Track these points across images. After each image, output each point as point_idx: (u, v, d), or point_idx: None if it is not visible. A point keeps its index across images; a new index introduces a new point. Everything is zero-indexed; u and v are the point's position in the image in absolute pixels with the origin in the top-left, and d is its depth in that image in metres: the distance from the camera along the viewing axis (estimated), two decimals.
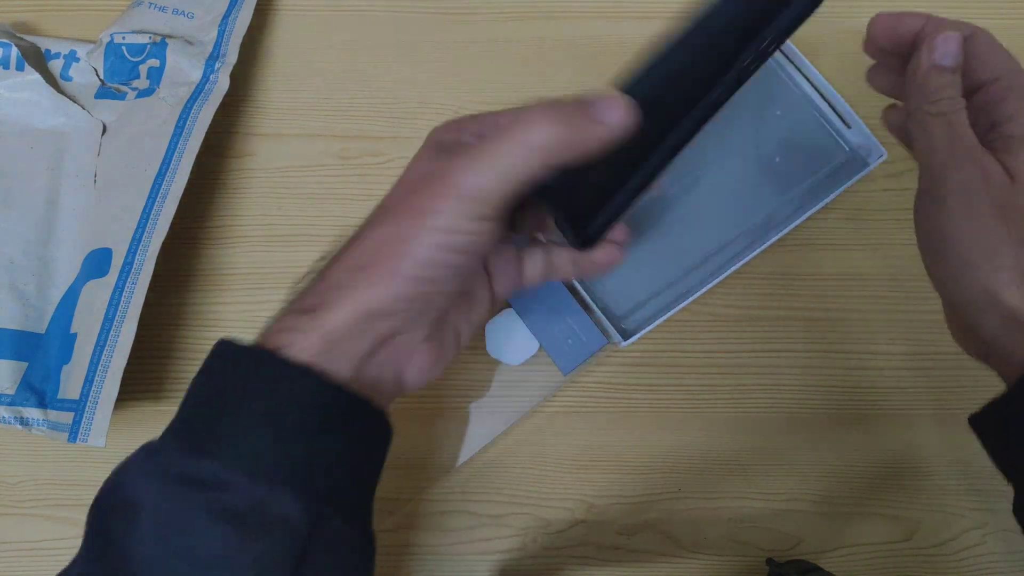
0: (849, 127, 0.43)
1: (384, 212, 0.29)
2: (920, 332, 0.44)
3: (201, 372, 0.28)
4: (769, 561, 0.42)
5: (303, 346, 0.27)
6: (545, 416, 0.44)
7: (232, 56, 0.46)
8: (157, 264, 0.40)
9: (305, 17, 0.49)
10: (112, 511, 0.26)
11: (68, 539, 0.43)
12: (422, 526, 0.43)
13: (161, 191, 0.42)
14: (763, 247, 0.41)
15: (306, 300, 0.28)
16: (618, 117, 0.26)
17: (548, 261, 0.34)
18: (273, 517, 0.25)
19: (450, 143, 0.30)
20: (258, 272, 0.46)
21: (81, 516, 0.45)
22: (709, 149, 0.44)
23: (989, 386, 0.30)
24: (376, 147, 0.47)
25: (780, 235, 0.41)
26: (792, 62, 0.44)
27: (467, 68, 0.48)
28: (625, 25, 0.48)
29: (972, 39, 0.31)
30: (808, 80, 0.44)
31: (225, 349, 0.28)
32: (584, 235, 0.32)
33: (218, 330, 0.45)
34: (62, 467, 0.44)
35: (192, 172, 0.42)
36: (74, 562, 0.27)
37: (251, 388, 0.26)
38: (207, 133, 0.43)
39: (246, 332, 0.44)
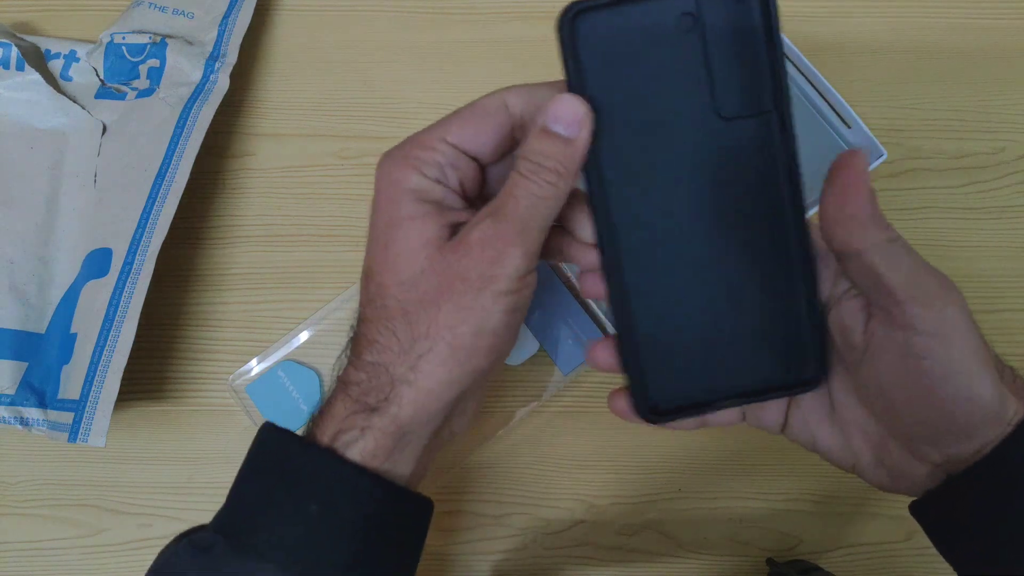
0: (849, 127, 0.43)
1: (429, 289, 0.27)
2: None
3: (251, 463, 0.28)
4: (769, 561, 0.42)
5: (369, 448, 0.27)
6: (545, 416, 0.44)
7: (232, 56, 0.46)
8: (157, 264, 0.40)
9: (305, 17, 0.49)
10: None
11: (68, 539, 0.43)
12: None
13: (161, 191, 0.42)
14: None
15: (369, 396, 0.27)
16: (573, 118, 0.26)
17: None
18: None
19: (439, 194, 0.28)
20: (258, 272, 0.46)
21: (81, 516, 0.45)
22: None
23: None
24: (376, 147, 0.47)
25: None
26: (792, 62, 0.44)
27: (467, 68, 0.48)
28: None
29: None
30: (807, 80, 0.44)
31: (277, 441, 0.28)
32: None
33: (218, 330, 0.45)
34: (62, 467, 0.44)
35: (192, 172, 0.42)
36: None
37: (309, 489, 0.26)
38: (207, 133, 0.43)
39: (246, 332, 0.45)
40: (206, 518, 0.43)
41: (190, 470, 0.44)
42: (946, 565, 0.43)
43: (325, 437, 0.27)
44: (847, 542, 0.43)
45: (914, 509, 0.30)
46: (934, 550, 0.43)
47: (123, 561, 0.43)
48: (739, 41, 0.26)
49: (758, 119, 0.26)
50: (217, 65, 0.46)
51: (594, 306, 0.41)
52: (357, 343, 0.28)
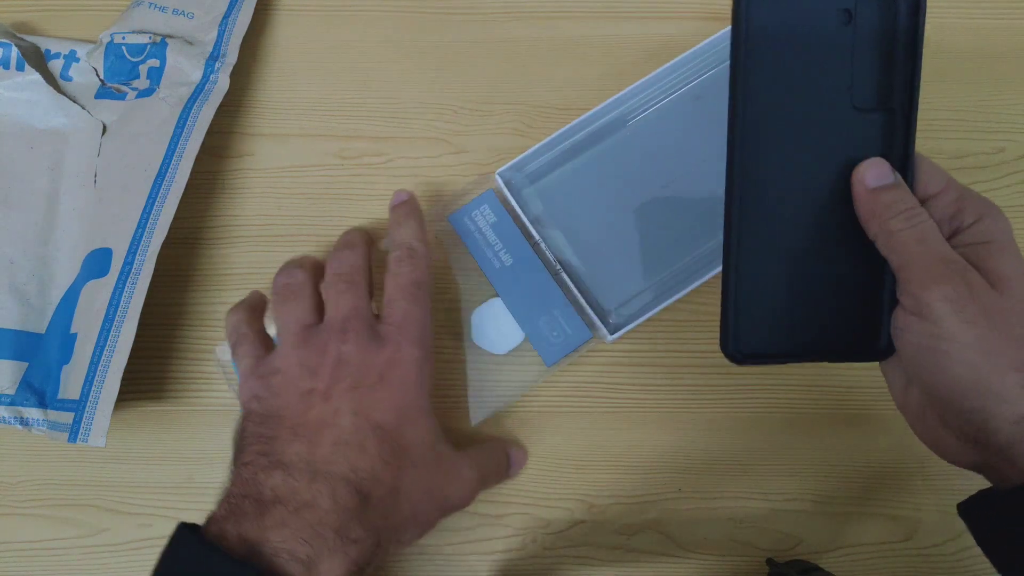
0: None
1: (425, 488, 0.34)
2: None
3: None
4: (769, 561, 0.42)
5: None
6: (545, 416, 0.44)
7: (232, 56, 0.46)
8: (157, 264, 0.40)
9: (305, 17, 0.49)
10: None
11: (68, 539, 0.43)
12: None
13: (161, 191, 0.42)
14: None
15: (364, 561, 0.30)
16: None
17: None
18: None
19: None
20: (258, 272, 0.46)
21: (81, 516, 0.45)
22: (706, 145, 0.44)
23: None
24: (376, 147, 0.47)
25: None
26: None
27: (467, 68, 0.48)
28: (625, 25, 0.48)
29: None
30: None
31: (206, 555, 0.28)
32: None
33: (218, 330, 0.45)
34: (62, 467, 0.44)
35: (192, 172, 0.42)
36: None
37: None
38: (207, 133, 0.43)
39: None
40: (203, 518, 0.43)
41: (190, 470, 0.44)
42: (945, 566, 0.43)
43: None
44: (847, 542, 0.43)
45: (962, 510, 0.31)
46: (935, 550, 0.43)
47: (123, 561, 0.43)
48: (884, 43, 0.30)
49: (886, 115, 0.30)
50: (217, 65, 0.46)
51: (581, 300, 0.41)
52: (369, 500, 0.31)
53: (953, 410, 0.29)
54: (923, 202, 0.31)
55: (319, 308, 0.37)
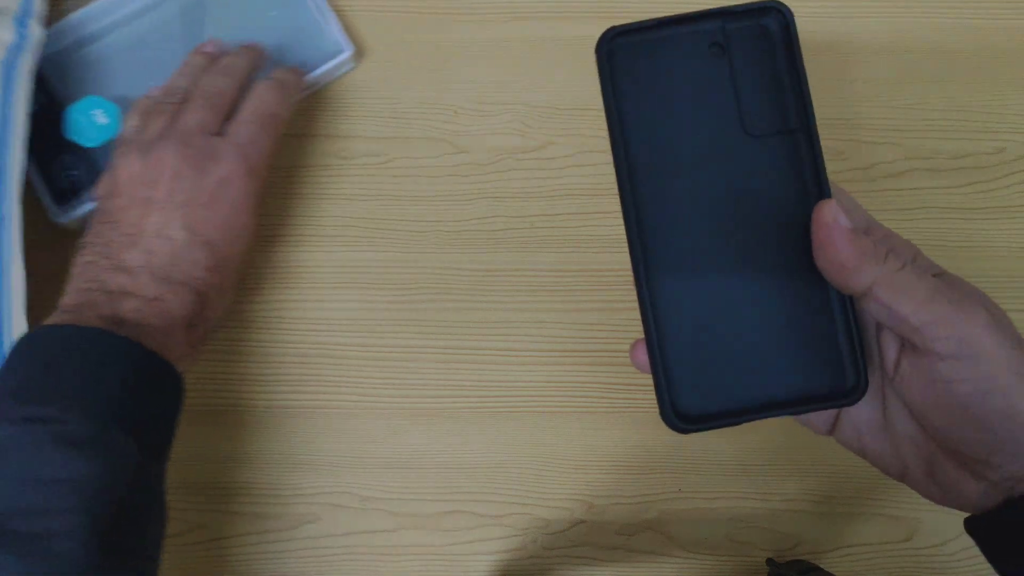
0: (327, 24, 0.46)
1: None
2: None
3: (29, 351, 0.33)
4: (769, 561, 0.42)
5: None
6: (545, 416, 0.44)
7: (41, 7, 0.44)
8: None
9: None
10: None
11: None
12: (422, 526, 0.43)
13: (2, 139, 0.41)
14: None
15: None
16: None
17: None
18: (110, 445, 0.32)
19: None
20: (258, 272, 0.46)
21: None
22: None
23: None
24: (376, 147, 0.47)
25: None
26: None
27: (467, 68, 0.48)
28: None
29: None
30: None
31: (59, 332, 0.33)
32: None
33: (218, 330, 0.45)
34: None
35: None
36: None
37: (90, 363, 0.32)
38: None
39: (246, 332, 0.45)
40: (203, 518, 0.43)
41: (189, 470, 0.44)
42: (945, 566, 0.43)
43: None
44: (847, 542, 0.43)
45: (969, 525, 0.29)
46: (934, 550, 0.43)
47: None
48: (764, 67, 0.28)
49: (785, 137, 0.28)
50: (28, 21, 0.43)
51: None
52: (206, 299, 0.38)
53: (985, 446, 0.26)
54: None
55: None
